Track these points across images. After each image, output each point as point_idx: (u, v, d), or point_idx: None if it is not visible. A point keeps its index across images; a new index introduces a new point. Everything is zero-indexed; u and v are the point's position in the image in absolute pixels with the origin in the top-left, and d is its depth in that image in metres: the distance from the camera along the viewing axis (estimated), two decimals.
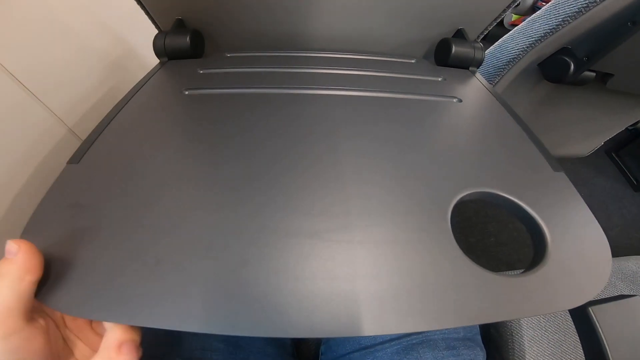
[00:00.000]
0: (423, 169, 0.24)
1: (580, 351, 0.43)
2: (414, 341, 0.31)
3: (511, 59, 0.45)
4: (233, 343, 0.32)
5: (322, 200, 0.21)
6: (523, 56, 0.44)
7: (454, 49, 0.37)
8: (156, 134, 0.27)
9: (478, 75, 0.37)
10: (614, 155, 1.17)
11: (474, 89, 0.34)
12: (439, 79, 0.36)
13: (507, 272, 0.19)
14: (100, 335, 0.21)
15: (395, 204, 0.22)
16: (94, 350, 0.19)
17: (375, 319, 0.16)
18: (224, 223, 0.20)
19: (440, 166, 0.25)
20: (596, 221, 0.22)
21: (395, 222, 0.21)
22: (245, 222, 0.20)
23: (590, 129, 0.61)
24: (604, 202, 1.07)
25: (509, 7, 0.37)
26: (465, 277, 0.18)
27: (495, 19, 0.38)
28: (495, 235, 0.87)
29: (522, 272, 0.19)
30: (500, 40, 0.49)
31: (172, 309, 0.16)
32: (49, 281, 0.17)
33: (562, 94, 0.50)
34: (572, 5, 0.37)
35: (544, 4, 1.18)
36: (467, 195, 0.23)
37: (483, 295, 0.18)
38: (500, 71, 0.47)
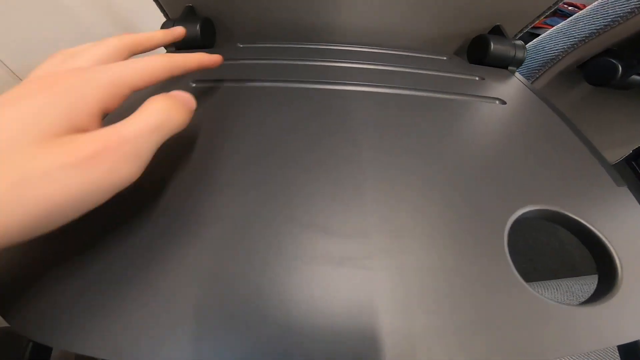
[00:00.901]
0: (471, 181, 0.21)
1: None
2: None
3: (549, 60, 0.41)
4: None
5: (351, 219, 0.18)
6: (563, 57, 0.40)
7: (492, 46, 0.34)
8: None
9: (519, 75, 0.34)
10: (633, 163, 1.13)
11: (517, 91, 0.31)
12: (476, 78, 0.33)
13: (572, 303, 0.17)
14: None
15: (441, 223, 0.18)
16: None
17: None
18: (234, 239, 0.17)
19: (491, 178, 0.21)
20: None
21: (442, 245, 0.17)
22: (260, 239, 0.17)
23: (623, 136, 0.58)
24: None
25: (555, 4, 0.33)
26: (526, 310, 0.16)
27: (538, 16, 0.35)
28: (510, 244, 0.84)
29: (589, 301, 0.17)
30: (535, 40, 0.45)
31: (179, 341, 0.14)
32: (20, 299, 0.14)
33: (601, 98, 0.46)
34: (623, 6, 0.34)
35: (565, 6, 1.14)
36: (526, 212, 0.19)
37: (545, 329, 0.15)
38: (535, 72, 0.43)
